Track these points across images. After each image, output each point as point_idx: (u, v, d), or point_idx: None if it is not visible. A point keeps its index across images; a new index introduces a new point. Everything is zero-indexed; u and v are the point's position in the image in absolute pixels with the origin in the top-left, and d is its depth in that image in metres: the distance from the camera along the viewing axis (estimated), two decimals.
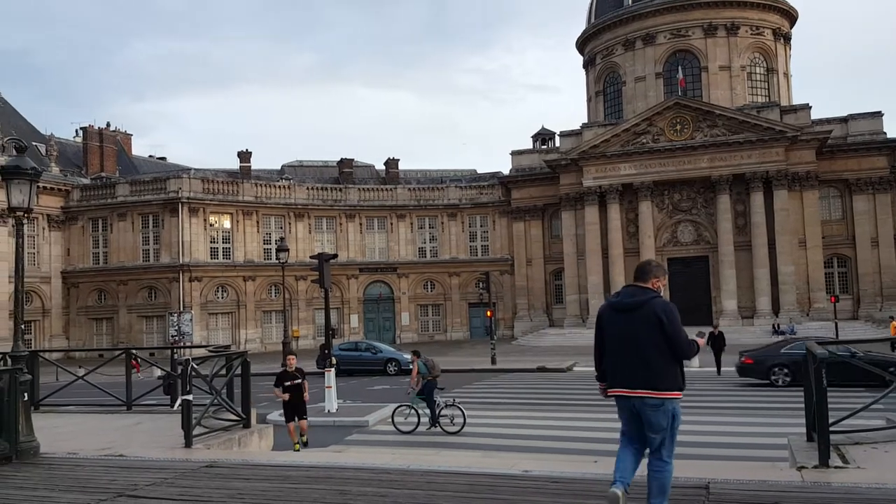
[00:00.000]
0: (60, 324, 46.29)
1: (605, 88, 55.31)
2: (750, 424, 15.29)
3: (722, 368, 26.00)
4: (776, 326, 41.10)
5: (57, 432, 10.94)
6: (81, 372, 14.25)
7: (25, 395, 9.40)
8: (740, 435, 14.16)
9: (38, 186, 10.34)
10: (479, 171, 58.39)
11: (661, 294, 5.84)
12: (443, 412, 15.27)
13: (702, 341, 6.06)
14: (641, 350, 5.65)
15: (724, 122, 44.34)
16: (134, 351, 22.11)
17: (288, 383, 13.44)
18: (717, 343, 26.95)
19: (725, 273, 43.94)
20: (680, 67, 49.18)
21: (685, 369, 5.94)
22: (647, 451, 5.94)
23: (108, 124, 54.90)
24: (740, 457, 11.64)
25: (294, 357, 14.02)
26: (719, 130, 44.42)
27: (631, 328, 5.71)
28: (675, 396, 5.71)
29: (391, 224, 51.85)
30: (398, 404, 16.29)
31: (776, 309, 43.16)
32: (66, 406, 14.00)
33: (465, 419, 15.04)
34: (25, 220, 9.95)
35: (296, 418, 13.44)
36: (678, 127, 45.04)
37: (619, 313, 5.83)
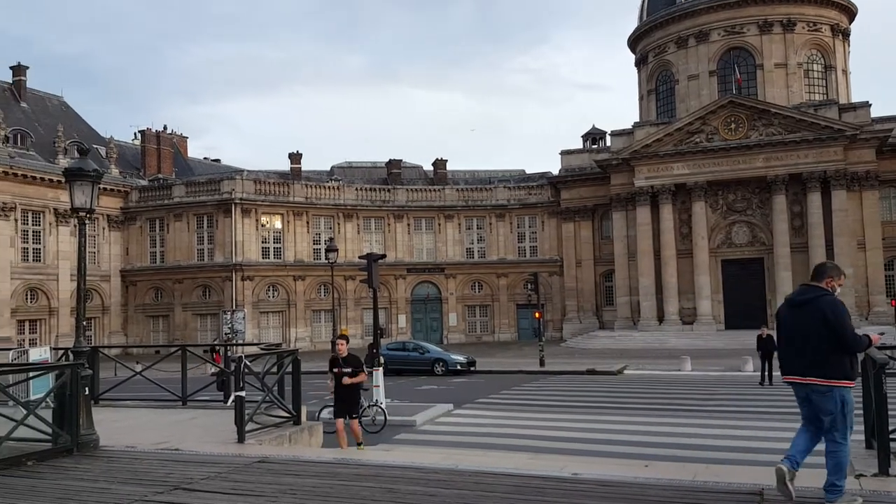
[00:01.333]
0: (119, 321, 47.65)
1: (658, 87, 54.54)
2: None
3: (774, 376, 22.90)
4: None
5: (116, 426, 11.27)
6: (139, 368, 14.64)
7: (86, 389, 9.71)
8: None
9: (99, 188, 10.67)
10: (527, 172, 58.16)
11: (836, 293, 6.45)
12: (364, 412, 15.58)
13: (876, 338, 6.74)
14: (808, 342, 6.32)
15: (780, 121, 43.32)
16: (218, 347, 22.72)
17: (336, 370, 11.70)
18: (766, 348, 23.55)
19: (781, 275, 42.88)
20: (735, 66, 48.18)
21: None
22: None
23: (165, 127, 56.47)
24: None
25: (344, 341, 11.96)
26: (775, 129, 43.41)
27: (799, 322, 6.40)
28: (844, 385, 6.25)
29: (439, 224, 52.00)
30: (325, 404, 16.25)
31: None
32: (124, 401, 14.41)
33: (385, 419, 15.82)
34: (88, 221, 10.29)
35: (346, 417, 11.81)
36: (732, 126, 44.16)
37: (791, 308, 6.59)
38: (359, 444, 11.90)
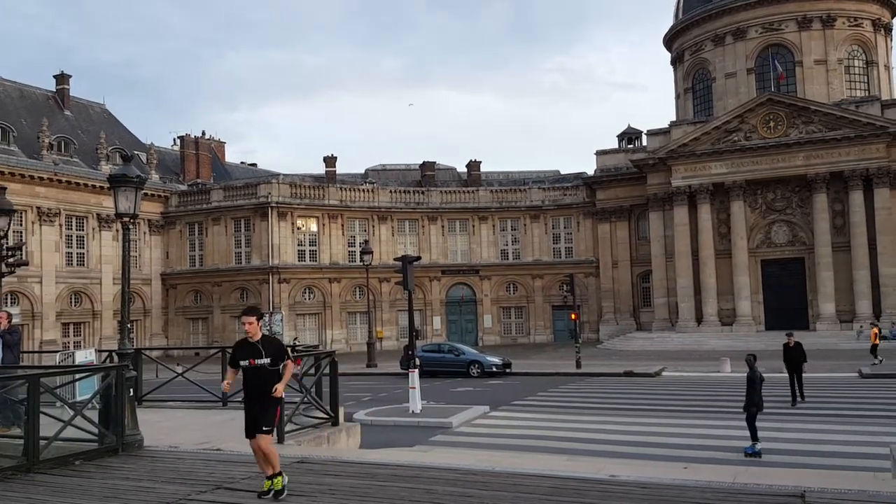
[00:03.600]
0: (160, 323, 48.50)
1: (694, 85, 53.92)
2: (847, 433, 14.63)
3: (805, 391, 19.34)
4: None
5: (159, 427, 11.50)
6: (179, 369, 14.91)
7: (131, 390, 9.93)
8: (837, 443, 13.58)
9: (141, 193, 10.91)
10: (562, 172, 57.86)
11: None
12: None
13: None
14: None
15: (820, 118, 42.54)
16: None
17: (244, 363, 7.45)
18: (793, 357, 19.55)
19: (823, 275, 42.11)
20: (776, 62, 47.30)
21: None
22: None
23: (204, 133, 57.44)
24: (837, 466, 11.18)
25: (254, 318, 7.49)
26: (815, 127, 42.63)
27: None
28: None
29: (473, 226, 51.99)
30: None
31: (877, 313, 41.03)
32: (166, 402, 14.68)
33: None
34: (131, 226, 10.54)
35: (257, 431, 7.38)
36: (771, 124, 43.46)
37: None
38: (273, 478, 7.27)
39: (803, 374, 19.70)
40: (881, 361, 28.76)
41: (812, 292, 43.12)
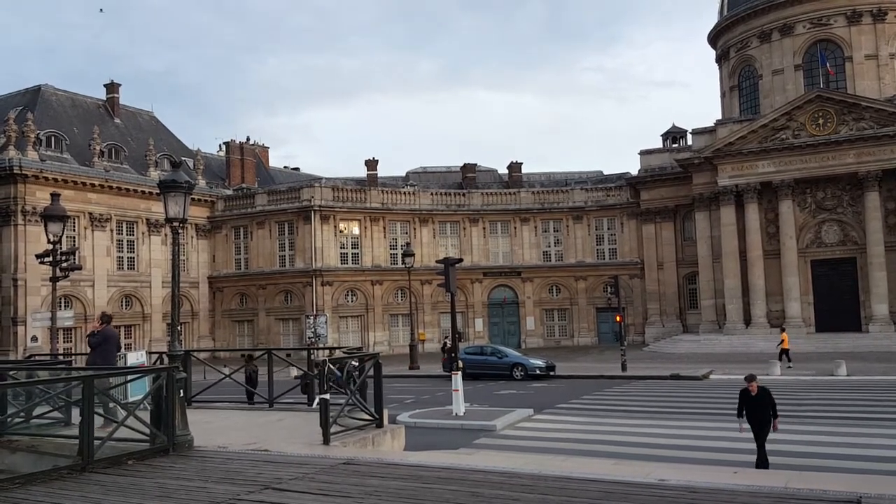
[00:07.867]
0: (207, 326, 49.36)
1: (740, 83, 52.95)
2: None
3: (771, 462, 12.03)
4: None
5: (208, 427, 11.70)
6: (227, 371, 15.15)
7: (181, 391, 10.12)
8: (891, 448, 13.18)
9: (189, 198, 11.12)
10: (604, 173, 57.32)
11: None
12: None
13: None
14: None
15: (871, 115, 41.39)
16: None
17: None
18: (756, 408, 12.40)
19: (875, 275, 40.95)
20: (824, 58, 46.22)
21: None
22: None
23: (248, 138, 58.35)
24: (894, 471, 10.85)
25: None
26: (866, 123, 41.51)
27: None
28: None
29: (515, 228, 51.81)
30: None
31: None
32: (215, 403, 14.94)
33: None
34: (181, 230, 10.75)
35: None
36: (820, 121, 42.45)
37: None
38: None
39: (766, 436, 12.32)
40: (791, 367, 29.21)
41: (864, 293, 41.96)
